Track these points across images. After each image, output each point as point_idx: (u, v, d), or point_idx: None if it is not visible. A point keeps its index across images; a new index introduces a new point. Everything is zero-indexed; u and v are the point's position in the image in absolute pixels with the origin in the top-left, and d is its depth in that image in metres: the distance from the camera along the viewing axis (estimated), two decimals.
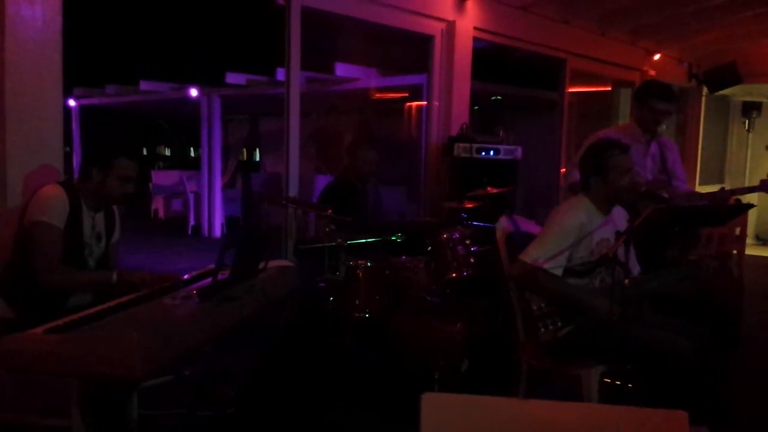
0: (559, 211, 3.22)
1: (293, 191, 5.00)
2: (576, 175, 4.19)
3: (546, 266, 2.99)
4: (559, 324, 3.02)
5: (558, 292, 3.03)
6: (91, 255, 3.02)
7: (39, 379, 2.43)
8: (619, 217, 3.27)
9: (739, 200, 4.14)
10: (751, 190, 4.07)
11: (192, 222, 10.97)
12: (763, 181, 3.99)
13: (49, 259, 2.81)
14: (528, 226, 3.55)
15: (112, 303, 2.61)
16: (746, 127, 10.74)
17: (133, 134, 17.12)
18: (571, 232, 3.04)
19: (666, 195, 4.10)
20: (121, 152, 3.00)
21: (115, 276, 2.86)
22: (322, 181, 8.66)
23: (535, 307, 3.05)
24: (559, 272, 3.03)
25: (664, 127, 4.35)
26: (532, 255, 3.01)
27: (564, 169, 7.48)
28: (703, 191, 4.45)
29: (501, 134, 6.16)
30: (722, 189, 4.08)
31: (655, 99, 4.14)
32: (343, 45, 8.24)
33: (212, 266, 2.85)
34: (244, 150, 16.13)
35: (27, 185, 3.30)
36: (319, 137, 10.83)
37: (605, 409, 1.55)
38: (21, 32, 3.36)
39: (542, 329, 3.03)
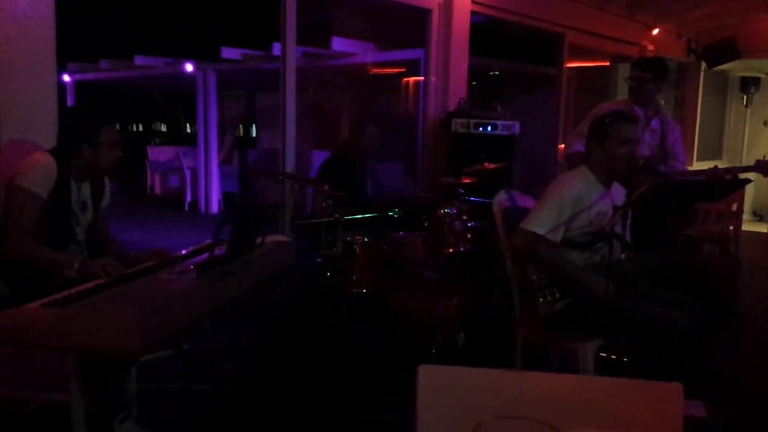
0: (558, 181, 3.23)
1: (290, 166, 4.98)
2: (575, 146, 4.20)
3: (546, 237, 2.99)
4: (557, 296, 3.03)
5: (557, 265, 3.03)
6: (78, 224, 2.99)
7: (37, 354, 2.44)
8: (618, 192, 3.27)
9: (736, 175, 4.14)
10: (746, 169, 4.05)
11: (189, 198, 10.96)
12: (758, 162, 3.98)
13: (19, 227, 2.73)
14: (525, 201, 3.55)
15: (109, 277, 2.61)
16: (744, 103, 10.72)
17: (128, 110, 17.04)
18: (569, 202, 3.04)
19: (663, 170, 4.12)
20: (104, 121, 2.95)
21: (77, 264, 2.74)
22: (317, 157, 8.63)
23: (534, 278, 3.06)
24: (557, 242, 3.03)
25: (662, 102, 4.37)
26: (532, 224, 3.02)
27: (562, 145, 7.48)
28: (700, 168, 4.45)
29: (499, 109, 6.14)
30: (715, 167, 4.07)
31: (630, 69, 4.35)
32: (339, 19, 8.17)
33: (209, 241, 2.85)
34: (241, 125, 16.07)
35: (5, 149, 3.28)
36: (314, 112, 10.78)
37: (600, 381, 1.55)
38: (13, 6, 3.32)
39: (540, 299, 3.04)
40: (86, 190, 3.02)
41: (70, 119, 2.98)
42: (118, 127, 3.09)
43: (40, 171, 2.80)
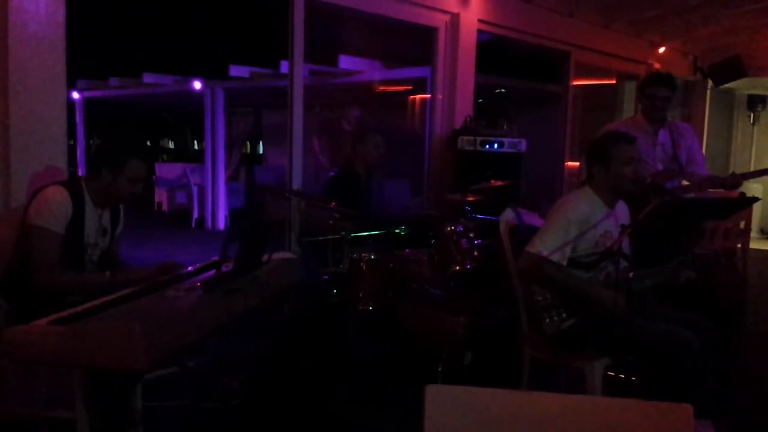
0: (563, 202, 3.21)
1: (297, 184, 4.99)
2: None
3: (552, 258, 2.98)
4: (564, 315, 3.02)
5: (565, 284, 3.02)
6: (94, 252, 3.02)
7: (43, 371, 2.44)
8: (623, 211, 3.26)
9: (743, 193, 4.13)
10: (764, 172, 4.03)
11: (196, 215, 10.98)
12: None
13: (44, 265, 2.80)
14: (532, 218, 3.54)
15: (116, 295, 2.61)
16: (751, 121, 10.70)
17: (137, 127, 17.16)
18: (574, 224, 3.03)
19: (685, 182, 4.09)
20: (133, 153, 2.96)
21: (108, 275, 2.84)
22: None
23: (540, 298, 3.04)
24: (564, 264, 3.02)
25: (668, 116, 4.34)
26: (537, 246, 3.01)
27: (574, 163, 7.51)
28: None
29: (505, 127, 6.15)
30: (733, 174, 4.06)
31: (650, 86, 4.23)
32: (346, 37, 8.22)
33: (216, 258, 2.85)
34: (248, 143, 16.14)
35: (30, 185, 3.31)
36: (332, 129, 10.77)
37: (609, 401, 1.54)
38: (24, 25, 3.36)
39: (547, 320, 3.03)
40: (107, 217, 3.05)
41: (107, 140, 3.02)
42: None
43: (55, 208, 2.83)
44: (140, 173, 2.98)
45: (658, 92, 4.19)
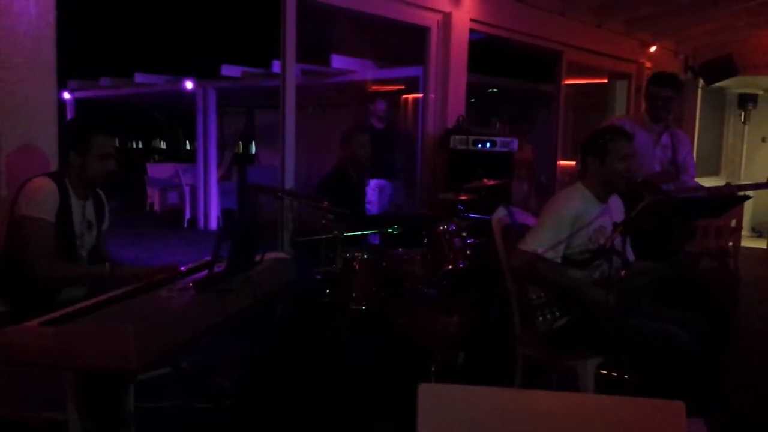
0: (555, 199, 3.21)
1: (289, 184, 4.98)
2: None
3: (545, 256, 2.98)
4: (557, 314, 3.02)
5: (557, 282, 3.02)
6: (83, 246, 3.01)
7: (35, 372, 2.42)
8: (616, 207, 3.27)
9: (735, 192, 4.14)
10: (758, 186, 4.05)
11: (188, 215, 10.94)
12: None
13: (43, 254, 2.79)
14: (524, 217, 3.55)
15: (107, 295, 2.60)
16: (742, 119, 10.73)
17: (128, 127, 17.09)
18: (567, 221, 3.03)
19: (672, 187, 4.11)
20: (96, 130, 2.96)
21: (108, 267, 2.85)
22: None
23: (534, 296, 3.04)
24: (558, 261, 3.03)
25: (670, 117, 4.35)
26: (530, 245, 3.01)
27: (573, 162, 7.51)
28: (703, 185, 4.44)
29: (497, 126, 6.16)
30: (728, 184, 4.08)
31: (652, 85, 4.28)
32: (339, 37, 8.21)
33: (208, 258, 2.84)
34: (240, 143, 16.10)
35: (10, 165, 3.30)
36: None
37: (602, 399, 1.55)
38: (14, 25, 3.34)
39: (540, 319, 3.03)
40: (90, 208, 3.04)
41: (69, 126, 3.02)
42: (117, 142, 3.10)
43: (42, 196, 2.83)
44: (108, 149, 2.97)
45: (659, 92, 4.22)
